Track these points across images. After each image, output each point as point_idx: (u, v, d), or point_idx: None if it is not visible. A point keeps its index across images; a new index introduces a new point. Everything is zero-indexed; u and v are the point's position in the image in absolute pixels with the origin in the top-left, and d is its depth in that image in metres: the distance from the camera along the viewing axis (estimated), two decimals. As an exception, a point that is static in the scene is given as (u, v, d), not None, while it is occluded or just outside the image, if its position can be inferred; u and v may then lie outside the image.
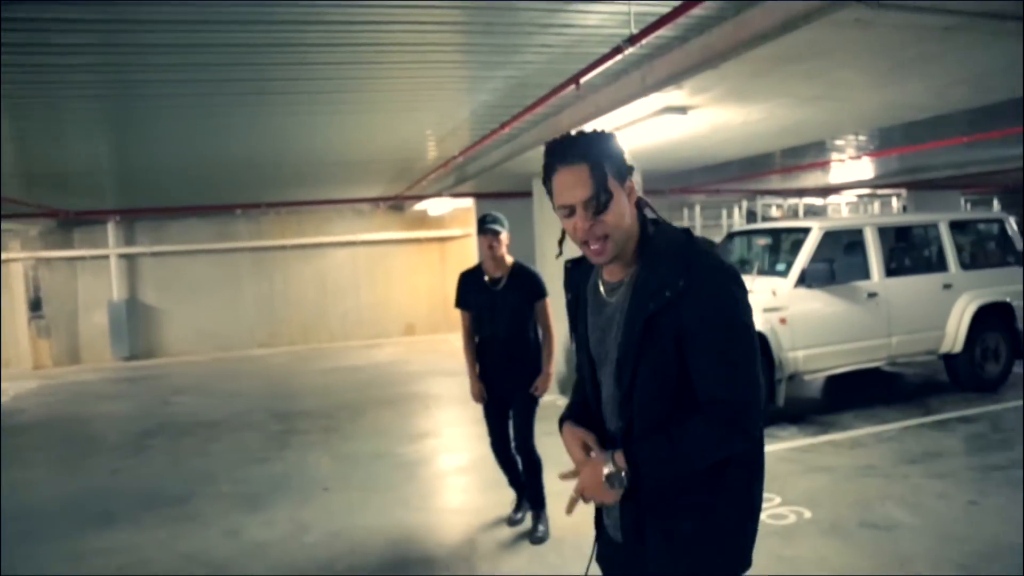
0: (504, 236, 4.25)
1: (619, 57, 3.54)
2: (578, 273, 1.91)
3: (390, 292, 15.39)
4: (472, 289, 4.41)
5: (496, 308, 4.28)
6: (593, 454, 1.71)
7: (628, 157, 1.71)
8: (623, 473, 1.65)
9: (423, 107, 5.75)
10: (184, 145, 6.91)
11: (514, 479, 4.66)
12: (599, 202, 1.62)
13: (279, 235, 14.63)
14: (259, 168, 8.70)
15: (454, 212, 14.21)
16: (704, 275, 1.62)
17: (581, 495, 1.71)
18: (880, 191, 15.62)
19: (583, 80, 4.01)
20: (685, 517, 1.69)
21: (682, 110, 4.93)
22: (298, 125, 6.17)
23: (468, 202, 12.24)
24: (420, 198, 12.63)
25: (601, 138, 1.68)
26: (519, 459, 4.48)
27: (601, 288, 1.80)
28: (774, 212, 15.50)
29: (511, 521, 4.69)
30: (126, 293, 14.08)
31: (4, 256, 13.54)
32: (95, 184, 9.61)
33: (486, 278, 4.35)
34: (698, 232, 16.12)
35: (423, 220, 15.27)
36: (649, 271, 1.67)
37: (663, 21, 3.14)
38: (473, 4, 3.51)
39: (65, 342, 13.95)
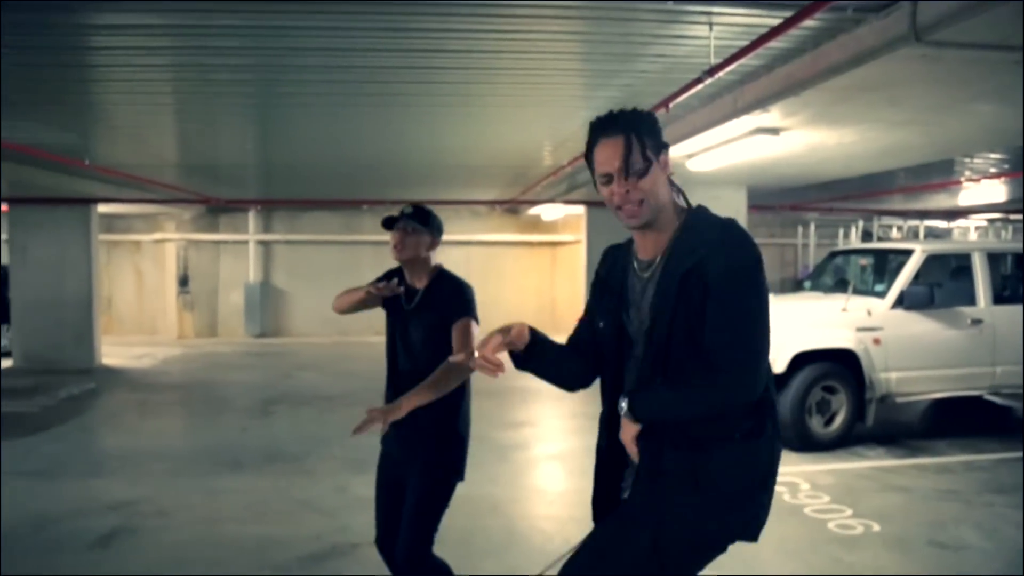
0: (422, 236, 2.94)
1: (700, 86, 3.89)
2: (614, 256, 2.02)
3: (501, 292, 15.98)
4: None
5: (404, 331, 2.99)
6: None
7: (663, 136, 1.85)
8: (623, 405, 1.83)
9: (537, 119, 6.26)
10: (320, 145, 7.71)
11: None
12: (634, 169, 1.75)
13: (400, 230, 15.50)
14: (385, 168, 9.47)
15: (566, 218, 14.66)
16: (734, 236, 1.76)
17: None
18: (1012, 216, 14.86)
19: (672, 104, 4.39)
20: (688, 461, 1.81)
21: (774, 131, 5.19)
22: (422, 131, 6.82)
23: (579, 209, 12.66)
24: (534, 203, 13.15)
25: (638, 114, 1.83)
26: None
27: (636, 266, 1.92)
28: (894, 233, 15.03)
29: None
30: (261, 276, 15.38)
31: (160, 236, 15.15)
32: (241, 176, 10.70)
33: (404, 288, 2.99)
34: (812, 251, 15.86)
35: (536, 224, 15.81)
36: (684, 238, 1.80)
37: (737, 56, 3.49)
38: (577, 37, 4.00)
39: (206, 317, 15.41)
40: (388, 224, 2.96)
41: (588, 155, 1.86)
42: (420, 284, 2.99)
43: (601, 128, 1.82)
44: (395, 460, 2.98)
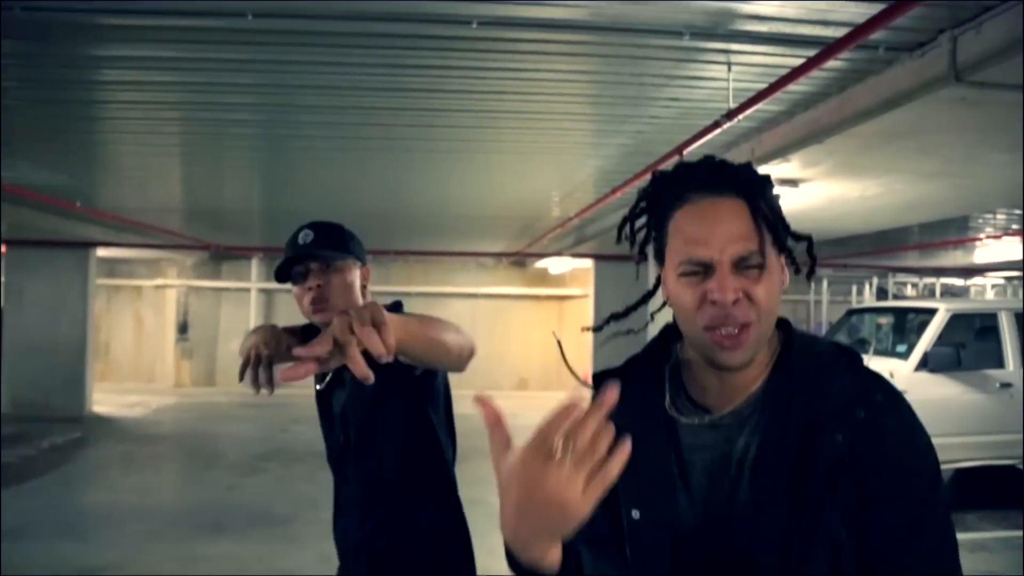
0: (349, 270, 1.92)
1: (719, 131, 3.64)
2: (629, 395, 0.91)
3: (506, 346, 15.66)
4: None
5: (338, 421, 2.00)
6: None
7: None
8: None
9: (543, 167, 6.02)
10: (322, 192, 7.51)
11: None
12: (753, 260, 0.98)
13: (406, 282, 15.28)
14: (389, 217, 9.26)
15: (574, 271, 14.41)
16: (892, 404, 1.02)
17: None
18: (1032, 277, 14.54)
19: (687, 151, 4.14)
20: None
21: (793, 183, 4.93)
22: (424, 179, 6.60)
23: (588, 263, 12.42)
24: (541, 256, 12.93)
25: (762, 176, 1.05)
26: None
27: (689, 419, 1.06)
28: (908, 291, 14.72)
29: None
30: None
31: (161, 282, 14.95)
32: (245, 222, 10.52)
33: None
34: (824, 308, 15.51)
35: (543, 278, 15.57)
36: (809, 383, 1.01)
37: (757, 98, 3.24)
38: (586, 77, 3.76)
39: (204, 365, 15.09)
40: (285, 271, 1.88)
41: (658, 222, 1.06)
42: None
43: (697, 179, 1.03)
44: None
